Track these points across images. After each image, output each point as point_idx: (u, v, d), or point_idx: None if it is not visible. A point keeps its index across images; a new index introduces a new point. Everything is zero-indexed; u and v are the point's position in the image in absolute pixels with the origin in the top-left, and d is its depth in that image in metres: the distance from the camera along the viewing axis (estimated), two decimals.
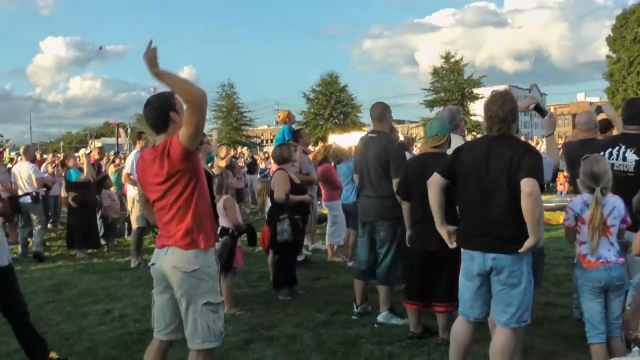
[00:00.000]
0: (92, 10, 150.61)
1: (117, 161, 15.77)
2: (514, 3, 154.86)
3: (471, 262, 4.25)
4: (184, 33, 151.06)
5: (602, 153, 5.15)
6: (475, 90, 63.92)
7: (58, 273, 9.77)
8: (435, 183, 4.52)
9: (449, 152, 5.73)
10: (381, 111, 6.67)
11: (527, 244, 3.96)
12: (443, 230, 4.54)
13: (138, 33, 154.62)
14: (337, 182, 9.69)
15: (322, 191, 10.04)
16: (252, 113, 70.60)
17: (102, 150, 14.25)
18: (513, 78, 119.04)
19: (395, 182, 6.18)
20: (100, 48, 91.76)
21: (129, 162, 9.88)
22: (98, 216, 11.61)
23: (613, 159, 5.10)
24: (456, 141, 6.09)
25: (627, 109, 5.39)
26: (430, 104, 64.33)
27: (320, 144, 15.37)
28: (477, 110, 65.64)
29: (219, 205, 6.77)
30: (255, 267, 9.20)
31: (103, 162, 15.63)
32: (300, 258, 8.58)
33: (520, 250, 3.99)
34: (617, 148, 5.18)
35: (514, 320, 4.11)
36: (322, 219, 10.67)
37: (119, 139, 54.23)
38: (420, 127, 59.92)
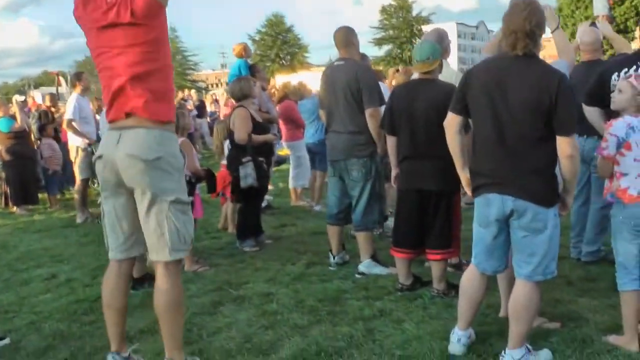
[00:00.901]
0: None
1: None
2: None
3: (487, 207, 3.57)
4: None
5: (616, 73, 4.58)
6: (424, 28, 63.24)
7: None
8: (451, 125, 3.80)
9: (440, 78, 5.14)
10: (346, 36, 5.89)
11: (567, 200, 3.53)
12: (464, 176, 3.84)
13: None
14: (300, 119, 8.93)
15: (283, 130, 9.24)
16: (196, 57, 68.80)
17: (53, 98, 12.94)
18: (460, 16, 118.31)
19: (369, 111, 5.50)
20: None
21: (70, 107, 8.87)
22: (38, 169, 10.62)
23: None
24: (446, 67, 5.44)
25: None
26: (379, 42, 63.84)
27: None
28: None
29: None
30: (214, 216, 8.36)
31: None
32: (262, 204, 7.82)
33: (560, 212, 3.52)
34: (634, 67, 4.58)
35: (538, 271, 3.46)
36: (280, 161, 9.88)
37: (59, 87, 52.32)
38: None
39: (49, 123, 10.76)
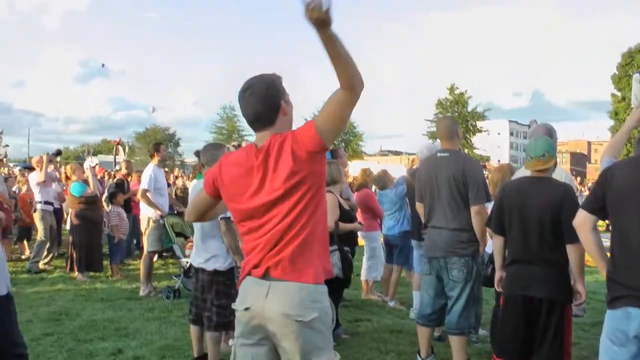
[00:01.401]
0: (97, 27, 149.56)
1: (117, 176, 14.68)
2: (513, 39, 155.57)
3: (626, 321, 3.17)
4: (184, 54, 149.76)
5: None
6: (479, 124, 63.29)
7: (57, 298, 8.55)
8: (585, 224, 3.48)
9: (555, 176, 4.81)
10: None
11: None
12: (604, 274, 3.47)
13: (137, 53, 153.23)
14: (378, 210, 8.61)
15: (360, 219, 8.92)
16: (253, 137, 69.56)
17: (130, 165, 13.05)
18: (511, 114, 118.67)
19: (475, 208, 5.22)
20: (103, 65, 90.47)
21: (146, 177, 8.76)
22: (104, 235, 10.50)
23: None
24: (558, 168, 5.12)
25: None
26: (433, 136, 63.58)
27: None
28: (479, 143, 65.12)
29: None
30: None
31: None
32: None
33: None
34: None
35: None
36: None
37: (117, 156, 53.29)
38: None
39: (122, 191, 10.70)
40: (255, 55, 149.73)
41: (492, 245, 4.88)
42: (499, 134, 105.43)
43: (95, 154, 78.69)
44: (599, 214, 3.44)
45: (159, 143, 9.82)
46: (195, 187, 7.40)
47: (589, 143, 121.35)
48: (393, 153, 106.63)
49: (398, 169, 15.98)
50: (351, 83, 2.65)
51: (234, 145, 6.74)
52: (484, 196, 5.30)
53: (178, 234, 8.94)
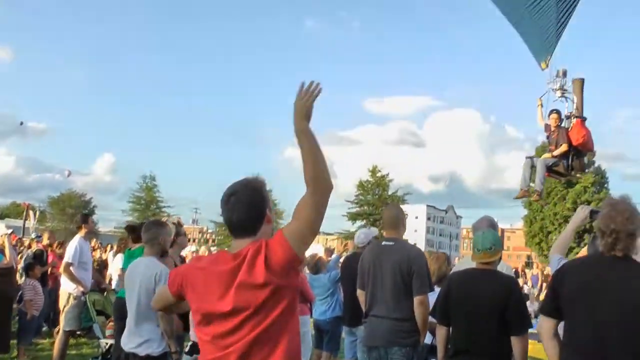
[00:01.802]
0: (18, 84, 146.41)
1: (34, 245, 14.06)
2: (433, 126, 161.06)
3: None
4: (106, 118, 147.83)
5: None
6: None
7: None
8: (546, 330, 3.55)
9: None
10: (398, 216, 5.75)
11: None
12: None
13: (59, 113, 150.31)
14: (310, 294, 8.44)
15: None
16: (171, 209, 68.50)
17: (53, 235, 12.42)
18: (429, 198, 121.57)
19: (419, 298, 5.23)
20: (21, 123, 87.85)
21: (72, 250, 8.33)
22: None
23: None
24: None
25: None
26: (353, 217, 64.22)
27: None
28: None
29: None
30: None
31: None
32: None
33: None
34: None
35: None
36: None
37: (26, 221, 51.34)
38: (336, 239, 59.20)
39: (40, 263, 10.15)
40: (178, 125, 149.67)
41: (436, 335, 4.86)
42: (416, 217, 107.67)
43: (2, 217, 75.42)
44: (557, 315, 3.49)
45: (87, 214, 9.46)
46: (117, 262, 7.14)
47: (502, 230, 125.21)
48: None
49: (316, 248, 15.93)
50: (320, 183, 2.68)
51: (173, 223, 6.54)
52: (428, 286, 5.33)
53: (99, 312, 8.51)
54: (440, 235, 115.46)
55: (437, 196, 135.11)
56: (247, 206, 2.84)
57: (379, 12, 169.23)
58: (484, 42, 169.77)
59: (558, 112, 9.58)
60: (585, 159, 9.96)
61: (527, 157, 9.87)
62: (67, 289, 8.41)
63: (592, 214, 4.46)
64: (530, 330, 4.42)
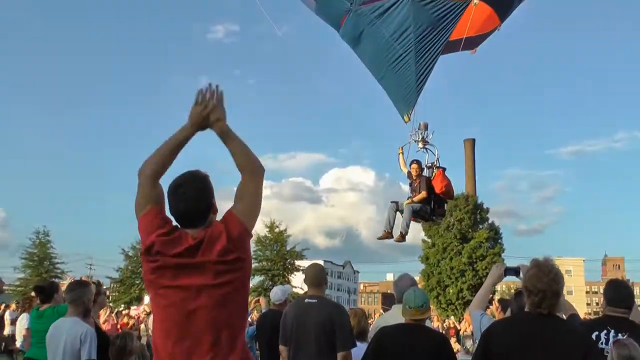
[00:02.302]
0: None
1: None
2: (328, 183, 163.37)
3: None
4: None
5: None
6: (297, 262, 64.38)
7: None
8: None
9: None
10: (321, 274, 5.99)
11: None
12: None
13: None
14: None
15: None
16: (65, 265, 65.90)
17: None
18: (326, 253, 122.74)
19: (342, 354, 5.40)
20: None
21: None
22: None
23: (602, 343, 4.58)
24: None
25: (614, 290, 4.95)
26: (253, 273, 63.56)
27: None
28: (296, 282, 65.95)
29: None
30: None
31: None
32: None
33: None
34: (604, 332, 4.70)
35: None
36: None
37: None
38: None
39: None
40: (73, 178, 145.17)
41: None
42: None
43: None
44: None
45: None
46: (22, 322, 7.00)
47: None
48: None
49: None
50: (252, 167, 3.03)
51: (93, 283, 6.55)
52: (351, 342, 5.50)
53: None
54: (338, 290, 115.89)
55: (335, 251, 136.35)
56: (195, 198, 3.04)
57: (273, 71, 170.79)
58: (378, 101, 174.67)
59: (418, 162, 10.40)
60: (446, 206, 10.59)
61: (392, 202, 10.60)
62: None
63: (507, 271, 4.81)
64: None
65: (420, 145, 10.29)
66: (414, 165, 10.33)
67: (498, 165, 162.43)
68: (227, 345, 2.92)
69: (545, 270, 3.64)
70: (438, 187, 10.08)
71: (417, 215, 10.19)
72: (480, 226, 59.52)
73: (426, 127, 10.20)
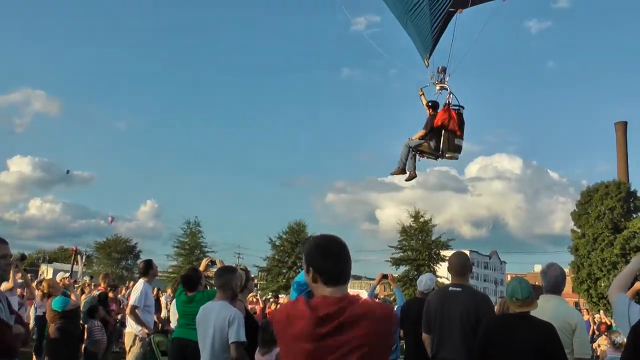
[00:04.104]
0: (65, 134, 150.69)
1: (87, 289, 14.49)
2: (474, 171, 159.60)
3: None
4: (148, 167, 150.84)
5: None
6: (442, 252, 63.67)
7: None
8: None
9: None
10: (466, 263, 5.92)
11: None
12: None
13: (105, 162, 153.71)
14: None
15: None
16: (215, 254, 68.93)
17: (107, 278, 12.92)
18: (472, 243, 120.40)
19: None
20: (68, 172, 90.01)
21: (137, 294, 8.69)
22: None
23: None
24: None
25: None
26: (397, 262, 63.63)
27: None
28: (442, 272, 65.35)
29: None
30: None
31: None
32: None
33: None
34: None
35: None
36: None
37: (75, 265, 52.23)
38: (379, 285, 58.67)
39: (105, 306, 10.53)
40: (222, 172, 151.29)
41: None
42: None
43: (50, 261, 76.34)
44: None
45: (150, 260, 9.77)
46: (174, 305, 7.41)
47: None
48: (354, 277, 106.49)
49: (360, 293, 16.03)
50: None
51: (242, 269, 6.84)
52: None
53: (163, 353, 8.77)
54: (484, 280, 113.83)
55: (480, 241, 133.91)
56: (347, 259, 3.12)
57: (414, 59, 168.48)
58: (522, 87, 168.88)
59: (433, 104, 10.62)
60: (457, 141, 10.52)
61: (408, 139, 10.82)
62: (133, 330, 8.75)
63: None
64: None
65: (438, 87, 10.65)
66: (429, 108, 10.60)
67: None
68: None
69: None
70: (435, 121, 10.31)
71: (419, 152, 10.52)
72: (634, 215, 56.49)
73: (444, 71, 10.61)
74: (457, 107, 10.50)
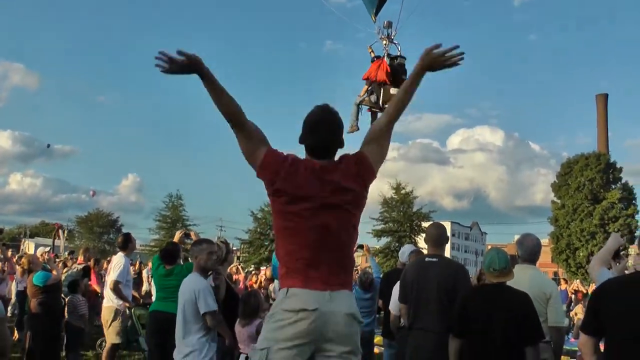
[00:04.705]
0: (45, 108, 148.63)
1: (69, 263, 14.47)
2: (455, 143, 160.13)
3: None
4: (130, 141, 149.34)
5: None
6: (424, 224, 64.08)
7: None
8: (587, 347, 3.62)
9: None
10: (443, 233, 5.98)
11: None
12: None
13: (86, 136, 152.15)
14: None
15: None
16: (197, 227, 68.91)
17: (88, 251, 12.95)
18: (453, 215, 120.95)
19: None
20: (48, 146, 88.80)
21: (119, 269, 8.70)
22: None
23: None
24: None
25: None
26: (378, 234, 64.00)
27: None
28: (424, 244, 65.67)
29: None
30: None
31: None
32: None
33: None
34: None
35: None
36: None
37: (57, 240, 52.00)
38: (361, 256, 59.15)
39: (88, 278, 10.54)
40: (204, 146, 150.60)
41: (449, 347, 5.12)
42: None
43: (31, 236, 75.93)
44: (598, 333, 3.58)
45: (128, 234, 9.78)
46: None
47: None
48: None
49: None
50: (398, 116, 3.41)
51: (222, 242, 6.90)
52: None
53: (144, 326, 8.83)
54: (465, 251, 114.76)
55: (462, 212, 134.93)
56: (334, 132, 3.42)
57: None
58: (497, 56, 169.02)
59: (377, 59, 10.75)
60: (393, 91, 10.32)
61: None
62: (113, 304, 8.77)
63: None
64: (568, 347, 4.67)
65: (385, 42, 10.81)
66: (372, 61, 10.78)
67: (635, 121, 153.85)
68: None
69: None
70: (364, 76, 10.63)
71: (364, 105, 10.70)
72: (613, 186, 57.09)
73: (390, 25, 10.82)
74: (396, 58, 10.68)
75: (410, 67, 10.22)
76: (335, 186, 3.28)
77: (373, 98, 10.46)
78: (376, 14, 10.95)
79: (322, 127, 3.35)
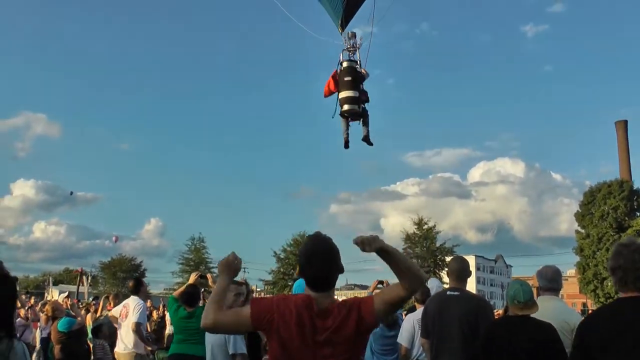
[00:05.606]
0: (67, 156, 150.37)
1: (92, 309, 14.52)
2: (476, 176, 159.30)
3: None
4: (153, 185, 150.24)
5: None
6: (447, 259, 63.58)
7: None
8: None
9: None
10: (465, 267, 5.95)
11: None
12: None
13: (108, 183, 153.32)
14: None
15: None
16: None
17: (117, 298, 13.05)
18: (477, 248, 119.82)
19: None
20: (71, 193, 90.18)
21: (139, 311, 8.70)
22: None
23: None
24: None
25: None
26: None
27: None
28: (447, 278, 65.06)
29: None
30: None
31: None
32: None
33: None
34: None
35: None
36: None
37: (80, 286, 52.28)
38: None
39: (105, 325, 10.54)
40: (222, 192, 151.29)
41: None
42: None
43: (56, 283, 76.31)
44: None
45: (139, 277, 9.86)
46: None
47: None
48: (359, 287, 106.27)
49: None
50: (412, 287, 3.21)
51: (242, 283, 6.90)
52: None
53: None
54: (491, 285, 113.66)
55: (486, 245, 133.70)
56: (329, 263, 3.28)
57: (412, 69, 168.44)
58: (514, 87, 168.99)
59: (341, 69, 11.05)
60: (342, 94, 10.83)
61: None
62: (136, 349, 8.73)
63: None
64: None
65: (350, 52, 11.18)
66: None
67: None
68: None
69: (626, 243, 3.49)
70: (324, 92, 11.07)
71: (348, 116, 10.98)
72: (638, 213, 56.38)
73: (354, 36, 11.24)
74: (347, 63, 10.97)
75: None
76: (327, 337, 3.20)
77: (345, 107, 10.74)
78: (342, 26, 11.34)
79: (317, 259, 3.30)
